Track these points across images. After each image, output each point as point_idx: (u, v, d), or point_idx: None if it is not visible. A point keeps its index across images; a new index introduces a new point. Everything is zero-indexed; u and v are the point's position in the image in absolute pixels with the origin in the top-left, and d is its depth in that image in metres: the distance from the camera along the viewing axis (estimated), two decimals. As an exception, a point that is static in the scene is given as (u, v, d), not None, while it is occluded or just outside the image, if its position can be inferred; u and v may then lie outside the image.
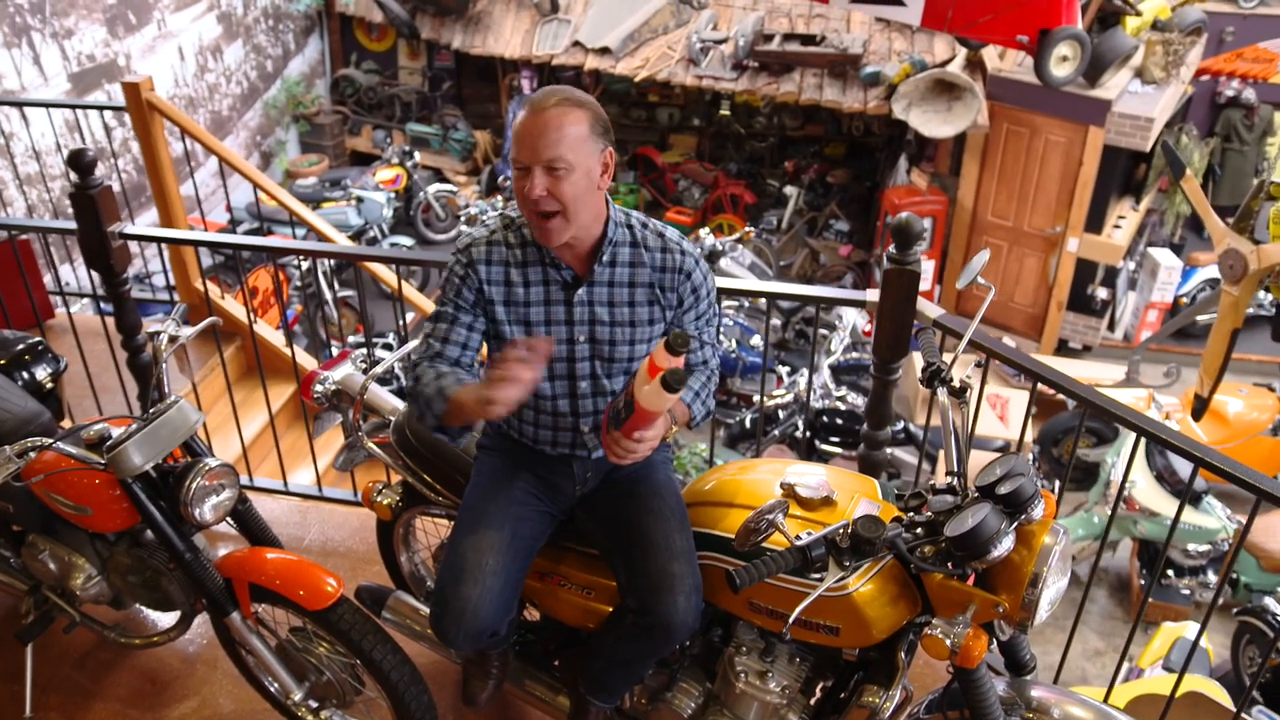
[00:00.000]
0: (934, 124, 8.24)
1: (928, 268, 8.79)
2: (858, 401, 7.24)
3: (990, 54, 8.56)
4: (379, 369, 2.78)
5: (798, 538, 1.86)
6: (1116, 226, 8.66)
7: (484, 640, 2.31)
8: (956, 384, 2.18)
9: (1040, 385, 2.67)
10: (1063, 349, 9.14)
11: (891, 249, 2.78)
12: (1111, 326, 9.35)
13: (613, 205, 2.21)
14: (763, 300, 7.37)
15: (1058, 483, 6.79)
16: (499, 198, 10.48)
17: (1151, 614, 6.19)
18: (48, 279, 5.54)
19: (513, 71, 10.88)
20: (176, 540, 2.53)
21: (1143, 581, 6.41)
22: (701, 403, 2.33)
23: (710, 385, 2.37)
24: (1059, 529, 1.96)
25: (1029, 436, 6.86)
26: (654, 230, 2.25)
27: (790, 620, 1.85)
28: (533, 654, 2.68)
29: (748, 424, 7.25)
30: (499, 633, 2.33)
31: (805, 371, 7.52)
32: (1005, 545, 1.88)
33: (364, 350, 4.77)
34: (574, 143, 2.02)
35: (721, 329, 7.96)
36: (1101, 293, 8.91)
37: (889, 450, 6.58)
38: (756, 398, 7.38)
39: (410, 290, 5.60)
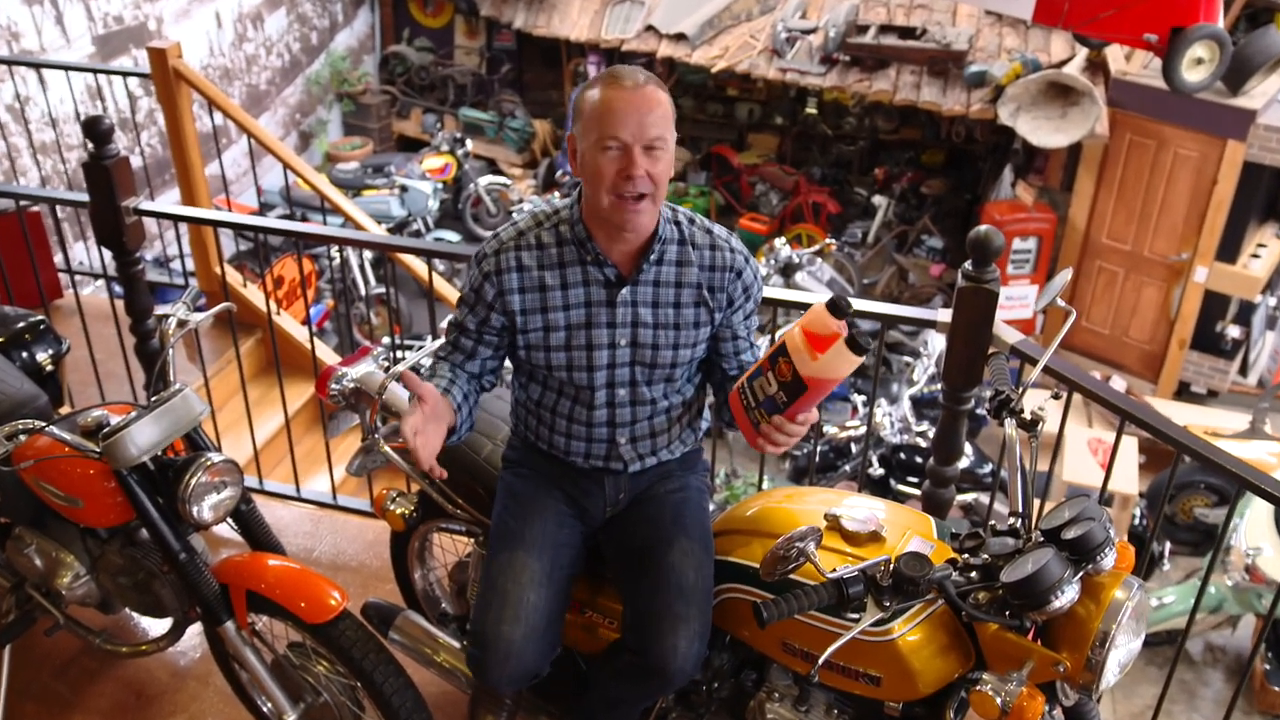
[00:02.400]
0: (1045, 132, 8.15)
1: (1030, 293, 8.70)
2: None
3: (1115, 54, 8.46)
4: (400, 367, 2.85)
5: (833, 571, 1.89)
6: (1255, 256, 8.48)
7: (528, 682, 2.37)
8: (1028, 416, 2.20)
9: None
10: (1184, 393, 8.96)
11: (967, 265, 2.79)
12: (1244, 370, 9.14)
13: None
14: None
15: (1168, 544, 6.66)
16: (556, 194, 10.57)
17: (1277, 704, 6.03)
18: (58, 257, 5.74)
19: (578, 56, 11.01)
20: (172, 539, 2.61)
21: (1267, 666, 6.25)
22: None
23: None
24: (1133, 583, 1.96)
25: (1135, 489, 6.76)
26: (702, 227, 2.31)
27: (819, 661, 1.88)
28: (547, 688, 2.72)
29: (816, 456, 7.24)
30: (542, 673, 2.39)
31: (882, 402, 7.49)
32: (1068, 596, 1.89)
33: (388, 347, 4.87)
34: (668, 123, 2.12)
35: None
36: (1233, 331, 8.71)
37: (973, 496, 6.53)
38: (828, 429, 7.37)
39: (447, 287, 5.71)
